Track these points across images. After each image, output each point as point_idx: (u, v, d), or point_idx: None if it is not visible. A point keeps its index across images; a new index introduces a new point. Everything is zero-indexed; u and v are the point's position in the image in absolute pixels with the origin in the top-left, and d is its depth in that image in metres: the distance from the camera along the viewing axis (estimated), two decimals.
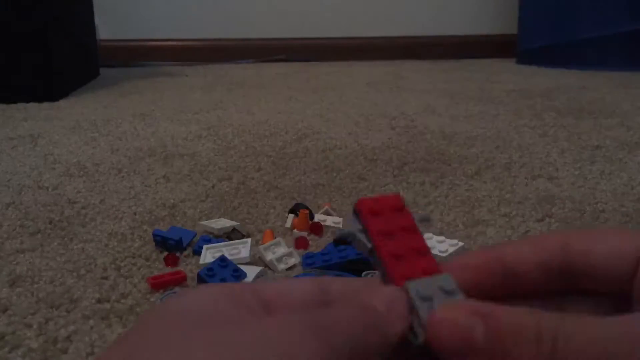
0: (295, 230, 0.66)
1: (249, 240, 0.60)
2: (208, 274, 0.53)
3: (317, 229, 0.65)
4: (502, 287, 0.22)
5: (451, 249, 0.60)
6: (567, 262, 0.22)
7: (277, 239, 0.61)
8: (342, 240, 0.57)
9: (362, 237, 0.22)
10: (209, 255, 0.59)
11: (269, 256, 0.58)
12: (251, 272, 0.55)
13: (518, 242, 0.23)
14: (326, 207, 0.70)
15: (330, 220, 0.67)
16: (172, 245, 0.61)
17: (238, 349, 0.17)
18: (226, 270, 0.54)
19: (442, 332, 0.19)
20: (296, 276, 0.55)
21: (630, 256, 0.22)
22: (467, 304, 0.20)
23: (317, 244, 0.63)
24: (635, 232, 0.22)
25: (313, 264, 0.57)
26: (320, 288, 0.22)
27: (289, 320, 0.19)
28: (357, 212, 0.22)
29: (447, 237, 0.63)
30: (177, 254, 0.60)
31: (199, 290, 0.21)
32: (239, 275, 0.54)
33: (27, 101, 1.44)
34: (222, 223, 0.67)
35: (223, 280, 0.52)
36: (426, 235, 0.61)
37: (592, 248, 0.22)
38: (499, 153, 0.98)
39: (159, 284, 0.53)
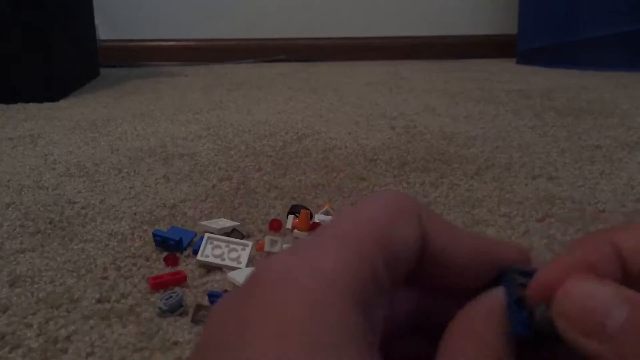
0: (295, 231, 0.66)
1: (250, 244, 0.60)
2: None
3: (317, 229, 0.65)
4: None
5: None
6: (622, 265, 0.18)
7: (273, 238, 0.61)
8: None
9: None
10: (208, 247, 0.59)
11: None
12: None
13: (626, 230, 0.19)
14: (326, 207, 0.70)
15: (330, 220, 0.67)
16: (172, 245, 0.61)
17: None
18: None
19: (573, 301, 0.16)
20: None
21: None
22: (612, 282, 0.16)
23: None
24: None
25: None
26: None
27: None
28: None
29: None
30: (177, 254, 0.60)
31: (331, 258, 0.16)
32: None
33: (27, 101, 1.44)
34: (222, 223, 0.67)
35: None
36: None
37: None
38: (499, 153, 0.98)
39: (159, 284, 0.53)
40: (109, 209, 0.75)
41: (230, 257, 0.58)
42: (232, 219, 0.70)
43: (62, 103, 1.46)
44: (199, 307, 0.49)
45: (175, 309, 0.49)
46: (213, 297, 0.49)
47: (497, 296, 0.18)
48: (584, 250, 0.18)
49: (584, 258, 0.18)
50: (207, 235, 0.60)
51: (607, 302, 0.16)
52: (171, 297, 0.50)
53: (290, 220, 0.67)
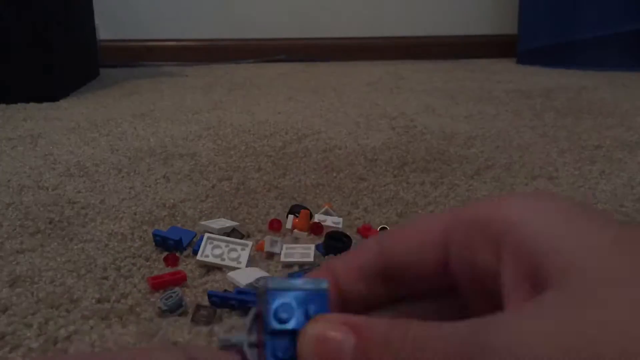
0: (295, 231, 0.66)
1: (249, 244, 0.60)
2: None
3: (317, 229, 0.65)
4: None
5: None
6: (384, 265, 0.21)
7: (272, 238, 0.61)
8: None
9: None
10: (208, 247, 0.59)
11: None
12: (251, 275, 0.55)
13: (345, 254, 0.22)
14: (326, 207, 0.70)
15: (330, 220, 0.67)
16: (172, 245, 0.61)
17: None
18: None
19: (312, 347, 0.18)
20: (296, 274, 0.55)
21: (431, 245, 0.20)
22: (338, 314, 0.19)
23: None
24: (439, 215, 0.20)
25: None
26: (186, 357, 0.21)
27: None
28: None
29: None
30: (177, 254, 0.60)
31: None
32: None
33: (27, 101, 1.44)
34: (222, 223, 0.67)
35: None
36: None
37: (397, 245, 0.20)
38: (499, 153, 0.98)
39: (159, 284, 0.53)
40: (109, 209, 0.75)
41: (230, 257, 0.58)
42: (232, 219, 0.70)
43: (62, 103, 1.46)
44: (199, 307, 0.49)
45: (175, 309, 0.49)
46: (213, 297, 0.49)
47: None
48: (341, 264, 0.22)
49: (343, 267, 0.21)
50: (207, 235, 0.60)
51: (338, 338, 0.18)
52: (171, 297, 0.50)
53: (290, 220, 0.67)
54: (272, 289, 0.19)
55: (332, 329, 0.18)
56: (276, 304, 0.19)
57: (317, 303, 0.19)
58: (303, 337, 0.18)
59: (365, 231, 0.67)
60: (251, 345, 0.20)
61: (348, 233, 0.66)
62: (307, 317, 0.19)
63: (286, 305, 0.19)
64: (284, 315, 0.19)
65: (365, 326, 0.18)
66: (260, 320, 0.20)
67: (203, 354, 0.21)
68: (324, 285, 0.20)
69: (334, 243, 0.61)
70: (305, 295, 0.19)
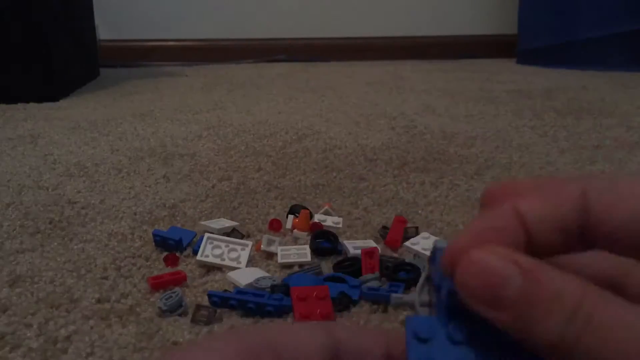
0: (295, 231, 0.66)
1: (249, 244, 0.60)
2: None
3: (317, 229, 0.65)
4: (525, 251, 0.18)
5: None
6: (588, 222, 0.18)
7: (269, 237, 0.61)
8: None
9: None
10: (208, 247, 0.59)
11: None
12: (251, 275, 0.55)
13: (534, 193, 0.19)
14: (326, 207, 0.70)
15: (330, 221, 0.67)
16: (172, 245, 0.61)
17: None
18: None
19: (472, 273, 0.17)
20: (295, 275, 0.55)
21: None
22: (507, 250, 0.17)
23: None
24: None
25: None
26: (331, 341, 0.20)
27: None
28: None
29: (432, 235, 0.63)
30: (177, 254, 0.60)
31: (211, 353, 0.18)
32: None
33: (27, 101, 1.44)
34: (222, 223, 0.67)
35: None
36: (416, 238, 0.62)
37: (614, 205, 0.17)
38: (499, 153, 0.98)
39: (159, 284, 0.53)
40: (109, 209, 0.75)
41: (230, 257, 0.58)
42: (232, 219, 0.70)
43: (62, 103, 1.46)
44: (198, 307, 0.49)
45: (175, 309, 0.49)
46: (213, 297, 0.49)
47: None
48: (491, 217, 0.19)
49: (490, 226, 0.18)
50: (206, 235, 0.60)
51: (503, 273, 0.16)
52: (171, 297, 0.50)
53: (290, 220, 0.67)
54: (441, 248, 0.19)
55: (499, 260, 0.17)
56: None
57: None
58: (465, 261, 0.17)
59: (393, 242, 0.67)
60: (422, 304, 0.20)
61: (348, 233, 0.66)
62: None
63: None
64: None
65: (538, 271, 0.16)
66: (431, 282, 0.20)
67: (348, 333, 0.20)
68: None
69: (320, 243, 0.61)
70: None
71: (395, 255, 0.61)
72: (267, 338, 0.19)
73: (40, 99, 1.45)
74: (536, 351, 0.16)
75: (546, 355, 0.16)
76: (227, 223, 0.67)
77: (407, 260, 0.57)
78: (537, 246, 0.18)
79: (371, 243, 0.62)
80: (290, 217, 0.68)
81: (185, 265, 0.59)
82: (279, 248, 0.60)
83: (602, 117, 1.26)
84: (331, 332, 0.20)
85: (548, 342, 0.16)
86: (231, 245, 0.59)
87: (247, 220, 0.70)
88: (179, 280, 0.54)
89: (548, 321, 0.16)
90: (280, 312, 0.49)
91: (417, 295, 0.21)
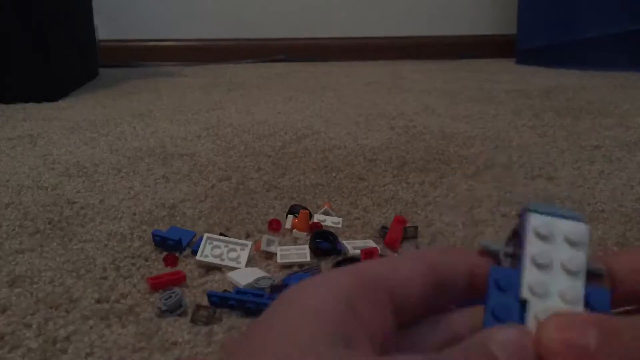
0: (295, 231, 0.66)
1: (249, 244, 0.60)
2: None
3: (316, 229, 0.65)
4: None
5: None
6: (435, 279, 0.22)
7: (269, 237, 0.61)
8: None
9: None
10: (208, 247, 0.59)
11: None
12: (251, 275, 0.55)
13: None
14: (326, 207, 0.70)
15: (329, 221, 0.67)
16: (171, 245, 0.61)
17: None
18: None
19: (557, 336, 0.18)
20: (295, 275, 0.55)
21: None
22: (580, 314, 0.20)
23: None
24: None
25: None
26: (429, 268, 0.22)
27: None
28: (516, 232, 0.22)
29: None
30: (177, 254, 0.60)
31: (332, 283, 0.20)
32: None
33: (27, 101, 1.44)
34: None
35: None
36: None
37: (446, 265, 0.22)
38: (499, 153, 0.98)
39: (158, 284, 0.53)
40: (108, 209, 0.75)
41: (229, 257, 0.58)
42: (231, 219, 0.70)
43: (62, 103, 1.46)
44: (198, 307, 0.49)
45: (175, 309, 0.49)
46: (212, 297, 0.49)
47: None
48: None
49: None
50: (206, 235, 0.60)
51: (586, 345, 0.18)
52: (170, 297, 0.50)
53: (289, 220, 0.67)
54: (533, 210, 0.21)
55: (579, 331, 0.18)
56: (536, 222, 0.21)
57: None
58: (546, 334, 0.18)
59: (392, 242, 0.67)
60: (506, 255, 0.22)
61: (348, 233, 0.66)
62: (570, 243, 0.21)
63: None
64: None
65: (615, 326, 0.18)
66: (517, 235, 0.22)
67: (439, 257, 0.22)
68: (583, 219, 0.22)
69: (320, 243, 0.60)
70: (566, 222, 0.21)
71: (395, 255, 0.61)
72: (377, 273, 0.21)
73: (39, 99, 1.45)
74: None
75: None
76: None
77: None
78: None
79: (371, 243, 0.62)
80: (290, 217, 0.68)
81: (185, 266, 0.59)
82: (279, 248, 0.60)
83: (602, 117, 1.26)
84: (427, 260, 0.22)
85: None
86: (231, 245, 0.59)
87: (246, 221, 0.70)
88: (179, 280, 0.54)
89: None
90: None
91: (503, 246, 0.22)
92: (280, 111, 1.34)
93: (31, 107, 1.41)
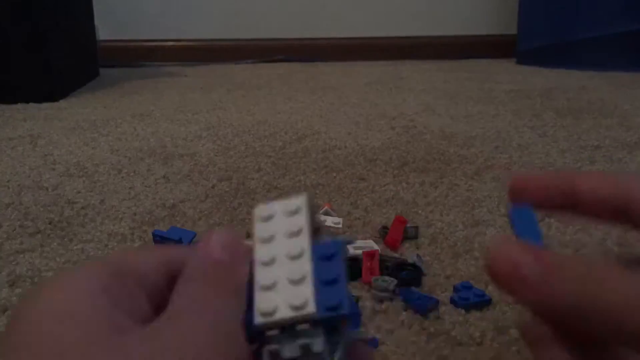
0: None
1: (249, 244, 0.60)
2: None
3: (316, 229, 0.65)
4: (566, 206, 0.24)
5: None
6: (630, 207, 0.23)
7: None
8: None
9: None
10: None
11: None
12: None
13: (592, 173, 0.25)
14: (326, 207, 0.70)
15: (330, 221, 0.67)
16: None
17: None
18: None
19: (499, 264, 0.21)
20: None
21: None
22: (517, 243, 0.22)
23: None
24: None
25: None
26: (167, 259, 0.23)
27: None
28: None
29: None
30: None
31: (75, 282, 0.20)
32: None
33: (27, 101, 1.44)
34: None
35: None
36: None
37: None
38: (499, 153, 0.98)
39: None
40: (108, 209, 0.75)
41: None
42: (231, 219, 0.70)
43: (62, 103, 1.46)
44: None
45: None
46: None
47: None
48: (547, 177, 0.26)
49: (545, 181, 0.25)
50: None
51: (521, 260, 0.21)
52: None
53: None
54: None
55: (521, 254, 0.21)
56: (259, 210, 0.25)
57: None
58: (494, 256, 0.22)
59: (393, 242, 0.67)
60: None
61: (347, 233, 0.66)
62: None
63: None
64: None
65: (548, 255, 0.21)
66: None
67: (180, 252, 0.24)
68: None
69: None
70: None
71: (395, 255, 0.61)
72: (125, 263, 0.22)
73: (39, 99, 1.45)
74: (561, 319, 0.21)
75: (571, 319, 0.20)
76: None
77: (408, 260, 0.57)
78: (582, 208, 0.25)
79: (371, 243, 0.62)
80: None
81: None
82: None
83: (602, 117, 1.26)
84: (166, 253, 0.24)
85: (568, 304, 0.20)
86: None
87: (246, 221, 0.70)
88: None
89: (564, 285, 0.20)
90: None
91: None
92: (280, 111, 1.34)
93: (31, 107, 1.41)
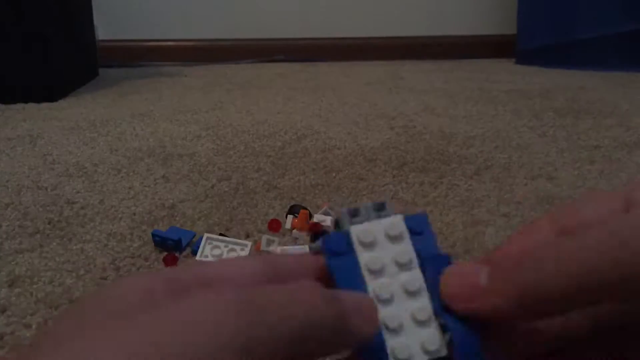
0: (294, 231, 0.66)
1: (249, 244, 0.60)
2: None
3: (316, 229, 0.65)
4: None
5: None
6: None
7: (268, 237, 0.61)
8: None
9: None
10: (207, 247, 0.59)
11: None
12: None
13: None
14: (325, 207, 0.70)
15: (329, 221, 0.67)
16: (171, 245, 0.61)
17: (146, 335, 0.16)
18: None
19: (453, 282, 0.21)
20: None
21: None
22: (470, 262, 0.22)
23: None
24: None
25: None
26: (272, 266, 0.21)
27: (211, 299, 0.17)
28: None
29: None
30: (177, 254, 0.60)
31: (139, 277, 0.20)
32: None
33: (26, 101, 1.44)
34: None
35: None
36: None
37: None
38: (498, 153, 0.98)
39: None
40: (108, 209, 0.75)
41: (229, 257, 0.58)
42: (231, 219, 0.70)
43: (61, 103, 1.46)
44: None
45: None
46: None
47: None
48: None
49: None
50: (206, 235, 0.60)
51: (473, 270, 0.21)
52: None
53: (289, 221, 0.67)
54: (347, 215, 0.23)
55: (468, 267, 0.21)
56: (357, 231, 0.23)
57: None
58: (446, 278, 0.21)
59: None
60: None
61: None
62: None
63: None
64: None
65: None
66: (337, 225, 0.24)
67: (282, 260, 0.22)
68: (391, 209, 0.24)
69: None
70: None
71: None
72: (194, 266, 0.20)
73: (39, 99, 1.45)
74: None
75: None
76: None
77: None
78: None
79: None
80: (290, 217, 0.68)
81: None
82: (279, 248, 0.60)
83: (601, 117, 1.26)
84: (273, 259, 0.22)
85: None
86: (230, 246, 0.59)
87: (246, 221, 0.70)
88: None
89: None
90: None
91: (320, 240, 0.24)
92: (280, 111, 1.34)
93: (31, 107, 1.41)
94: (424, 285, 0.22)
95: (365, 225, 0.22)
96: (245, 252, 0.59)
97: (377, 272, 0.22)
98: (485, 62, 2.29)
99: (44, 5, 1.45)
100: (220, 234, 0.63)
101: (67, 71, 1.61)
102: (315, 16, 2.38)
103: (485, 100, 1.46)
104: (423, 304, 0.21)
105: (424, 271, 0.22)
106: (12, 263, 0.60)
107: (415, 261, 0.22)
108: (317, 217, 0.68)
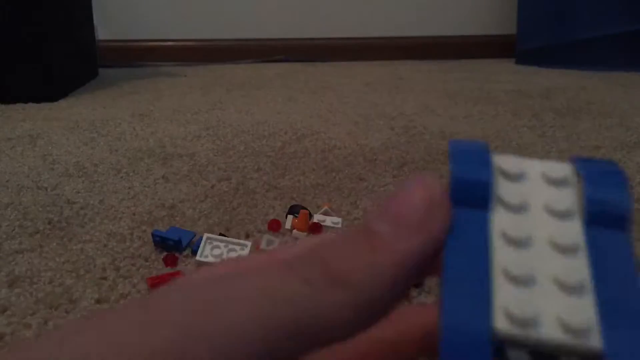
0: (295, 231, 0.66)
1: (249, 244, 0.60)
2: None
3: (316, 229, 0.65)
4: None
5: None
6: None
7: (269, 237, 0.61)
8: None
9: None
10: (207, 247, 0.59)
11: None
12: None
13: None
14: (325, 207, 0.70)
15: (329, 221, 0.67)
16: (171, 245, 0.61)
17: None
18: None
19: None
20: None
21: None
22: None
23: None
24: None
25: None
26: None
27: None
28: None
29: None
30: (176, 254, 0.60)
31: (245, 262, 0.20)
32: None
33: (26, 101, 1.44)
34: None
35: None
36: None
37: None
38: (498, 153, 0.98)
39: (158, 284, 0.53)
40: (108, 209, 0.75)
41: (229, 257, 0.58)
42: (230, 220, 0.70)
43: (61, 103, 1.46)
44: None
45: None
46: None
47: None
48: None
49: None
50: (206, 235, 0.60)
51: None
52: None
53: (289, 221, 0.67)
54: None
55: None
56: (500, 161, 0.18)
57: None
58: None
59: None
60: None
61: None
62: None
63: None
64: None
65: None
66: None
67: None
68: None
69: None
70: None
71: None
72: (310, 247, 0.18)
73: (39, 99, 1.45)
74: None
75: None
76: None
77: None
78: None
79: None
80: (290, 217, 0.68)
81: (185, 266, 0.59)
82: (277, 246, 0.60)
83: (601, 117, 1.26)
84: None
85: None
86: (230, 246, 0.59)
87: (246, 221, 0.70)
88: None
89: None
90: None
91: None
92: (280, 111, 1.34)
93: (31, 107, 1.41)
94: (583, 245, 0.15)
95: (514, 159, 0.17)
96: (245, 252, 0.59)
97: (514, 208, 0.16)
98: (485, 62, 2.29)
99: (44, 6, 1.45)
100: (220, 234, 0.63)
101: (67, 71, 1.61)
102: (315, 16, 2.38)
103: (485, 100, 1.46)
104: (577, 265, 0.15)
105: (590, 234, 0.16)
106: (12, 263, 0.60)
107: (577, 215, 0.16)
108: (317, 217, 0.68)
